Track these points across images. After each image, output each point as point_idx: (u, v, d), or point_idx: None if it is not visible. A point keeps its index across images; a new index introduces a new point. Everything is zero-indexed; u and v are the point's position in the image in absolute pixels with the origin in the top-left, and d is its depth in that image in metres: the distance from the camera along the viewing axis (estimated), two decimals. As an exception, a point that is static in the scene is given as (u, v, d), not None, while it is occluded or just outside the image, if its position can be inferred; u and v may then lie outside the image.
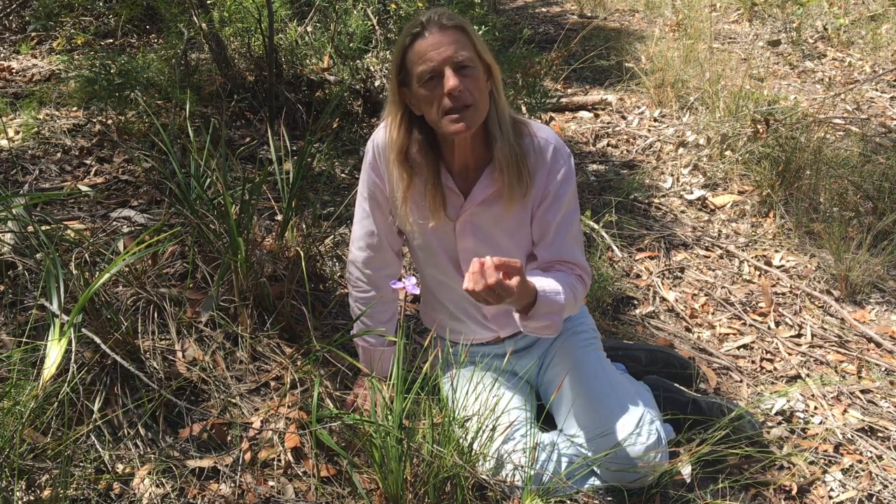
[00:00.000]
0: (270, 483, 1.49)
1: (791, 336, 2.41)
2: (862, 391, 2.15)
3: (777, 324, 2.47)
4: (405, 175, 1.58)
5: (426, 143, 1.57)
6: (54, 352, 1.37)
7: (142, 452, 1.47)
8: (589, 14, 6.35)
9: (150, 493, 1.39)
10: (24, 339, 1.53)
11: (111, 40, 3.81)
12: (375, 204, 1.69)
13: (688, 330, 2.44)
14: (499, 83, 1.54)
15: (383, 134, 1.60)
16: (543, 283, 1.48)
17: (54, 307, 1.46)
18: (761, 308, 2.54)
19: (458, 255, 1.69)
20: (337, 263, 2.32)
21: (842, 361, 2.28)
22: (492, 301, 1.35)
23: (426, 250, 1.72)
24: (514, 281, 1.35)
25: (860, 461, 1.87)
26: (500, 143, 1.53)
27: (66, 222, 2.02)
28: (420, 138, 1.56)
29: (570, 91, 4.54)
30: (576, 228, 1.65)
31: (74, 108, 2.95)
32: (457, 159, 1.59)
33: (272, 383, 1.73)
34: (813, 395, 2.11)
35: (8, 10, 4.07)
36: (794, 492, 1.76)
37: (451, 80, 1.43)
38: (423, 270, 1.79)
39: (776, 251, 2.86)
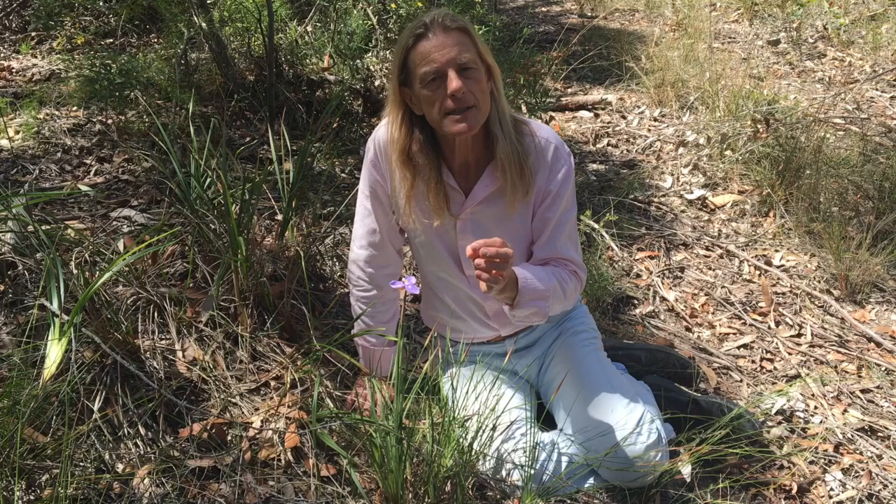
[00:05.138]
0: (270, 483, 1.49)
1: (791, 336, 2.41)
2: (862, 391, 2.15)
3: (777, 323, 2.47)
4: (408, 175, 1.58)
5: (427, 143, 1.58)
6: (54, 352, 1.37)
7: (142, 452, 1.47)
8: (589, 14, 6.34)
9: (150, 493, 1.39)
10: (24, 339, 1.53)
11: (111, 40, 3.81)
12: (377, 201, 1.70)
13: (688, 330, 2.43)
14: (499, 83, 1.54)
15: (384, 132, 1.61)
16: (524, 272, 1.50)
17: (54, 307, 1.46)
18: (761, 308, 2.54)
19: (458, 253, 1.69)
20: (337, 263, 2.32)
21: (842, 361, 2.28)
22: (496, 270, 1.35)
23: (427, 248, 1.72)
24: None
25: (860, 461, 1.87)
26: (501, 142, 1.54)
27: (66, 222, 2.02)
28: (421, 138, 1.57)
29: (570, 91, 4.54)
30: (571, 226, 1.66)
31: (74, 108, 2.95)
32: (457, 158, 1.60)
33: (272, 383, 1.73)
34: (813, 395, 2.11)
35: (8, 10, 4.07)
36: (794, 491, 1.76)
37: (454, 82, 1.43)
38: (423, 268, 1.79)
39: (776, 251, 2.86)
